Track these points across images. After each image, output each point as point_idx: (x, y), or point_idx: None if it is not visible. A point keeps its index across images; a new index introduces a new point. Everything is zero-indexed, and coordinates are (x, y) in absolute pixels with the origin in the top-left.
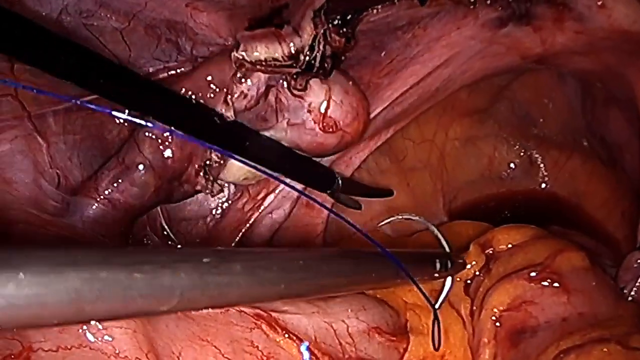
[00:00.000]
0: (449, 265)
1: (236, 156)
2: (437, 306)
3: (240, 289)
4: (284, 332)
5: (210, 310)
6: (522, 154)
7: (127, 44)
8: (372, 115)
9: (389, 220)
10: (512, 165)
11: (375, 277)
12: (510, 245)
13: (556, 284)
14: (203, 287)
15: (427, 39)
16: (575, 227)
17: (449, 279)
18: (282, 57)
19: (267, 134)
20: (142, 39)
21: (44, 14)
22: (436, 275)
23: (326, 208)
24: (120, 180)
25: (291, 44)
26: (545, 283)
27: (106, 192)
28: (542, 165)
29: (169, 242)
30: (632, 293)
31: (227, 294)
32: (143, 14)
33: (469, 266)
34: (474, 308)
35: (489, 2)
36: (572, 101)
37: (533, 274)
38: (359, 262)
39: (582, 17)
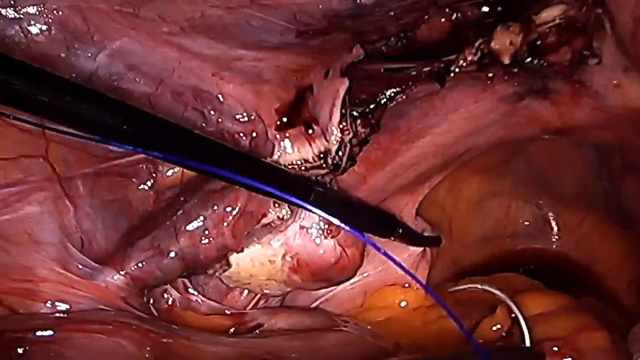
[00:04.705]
0: None
1: (308, 206)
2: None
3: None
4: None
5: None
6: (536, 213)
7: (154, 109)
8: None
9: (464, 286)
10: (525, 223)
11: None
12: (536, 313)
13: None
14: None
15: (445, 110)
16: (585, 290)
17: None
18: (312, 157)
19: None
20: (169, 105)
21: (74, 75)
22: None
23: (372, 245)
24: (148, 262)
25: (320, 145)
26: None
27: (131, 269)
28: (555, 225)
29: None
30: None
31: None
32: (171, 79)
33: (494, 328)
34: None
35: (506, 77)
36: (589, 166)
37: (555, 348)
38: None
39: (598, 95)
